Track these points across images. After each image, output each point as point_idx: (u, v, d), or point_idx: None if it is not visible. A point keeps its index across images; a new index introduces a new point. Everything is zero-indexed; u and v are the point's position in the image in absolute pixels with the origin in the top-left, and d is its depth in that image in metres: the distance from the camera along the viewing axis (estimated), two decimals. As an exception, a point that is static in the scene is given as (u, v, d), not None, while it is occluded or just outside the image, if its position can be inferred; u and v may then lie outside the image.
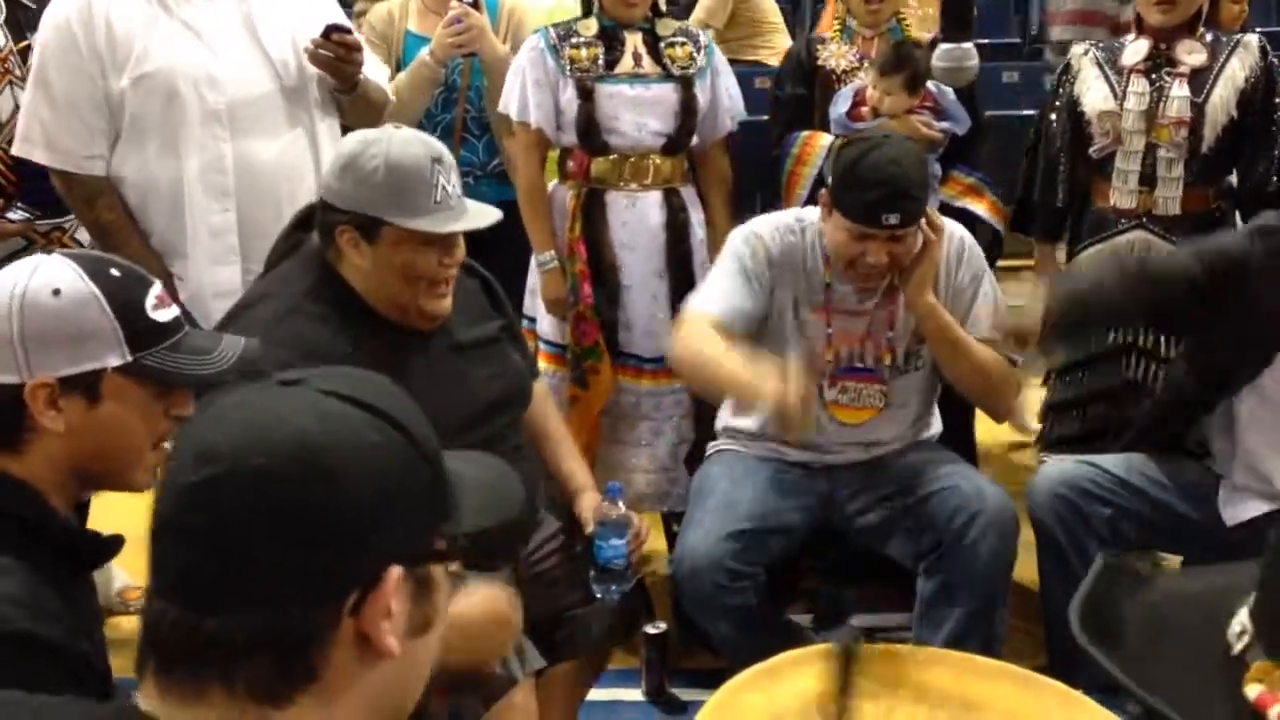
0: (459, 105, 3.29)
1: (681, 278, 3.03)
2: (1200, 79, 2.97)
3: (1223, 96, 2.96)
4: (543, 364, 3.01)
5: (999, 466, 3.94)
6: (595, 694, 2.41)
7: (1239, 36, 3.07)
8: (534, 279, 3.14)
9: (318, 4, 2.71)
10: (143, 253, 2.51)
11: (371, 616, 0.88)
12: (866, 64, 3.20)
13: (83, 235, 2.79)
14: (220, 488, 0.86)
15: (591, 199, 3.04)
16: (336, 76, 2.65)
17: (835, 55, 3.25)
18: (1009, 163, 3.31)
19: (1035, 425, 3.41)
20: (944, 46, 3.06)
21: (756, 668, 1.93)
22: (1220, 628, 0.94)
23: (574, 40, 3.02)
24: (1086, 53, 3.14)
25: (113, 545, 1.40)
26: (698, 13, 5.15)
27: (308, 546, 0.86)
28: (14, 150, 2.61)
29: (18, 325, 1.36)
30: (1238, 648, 0.92)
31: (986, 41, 4.41)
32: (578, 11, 3.11)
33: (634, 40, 3.04)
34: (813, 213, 2.59)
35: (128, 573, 3.26)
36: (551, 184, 3.14)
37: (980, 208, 3.20)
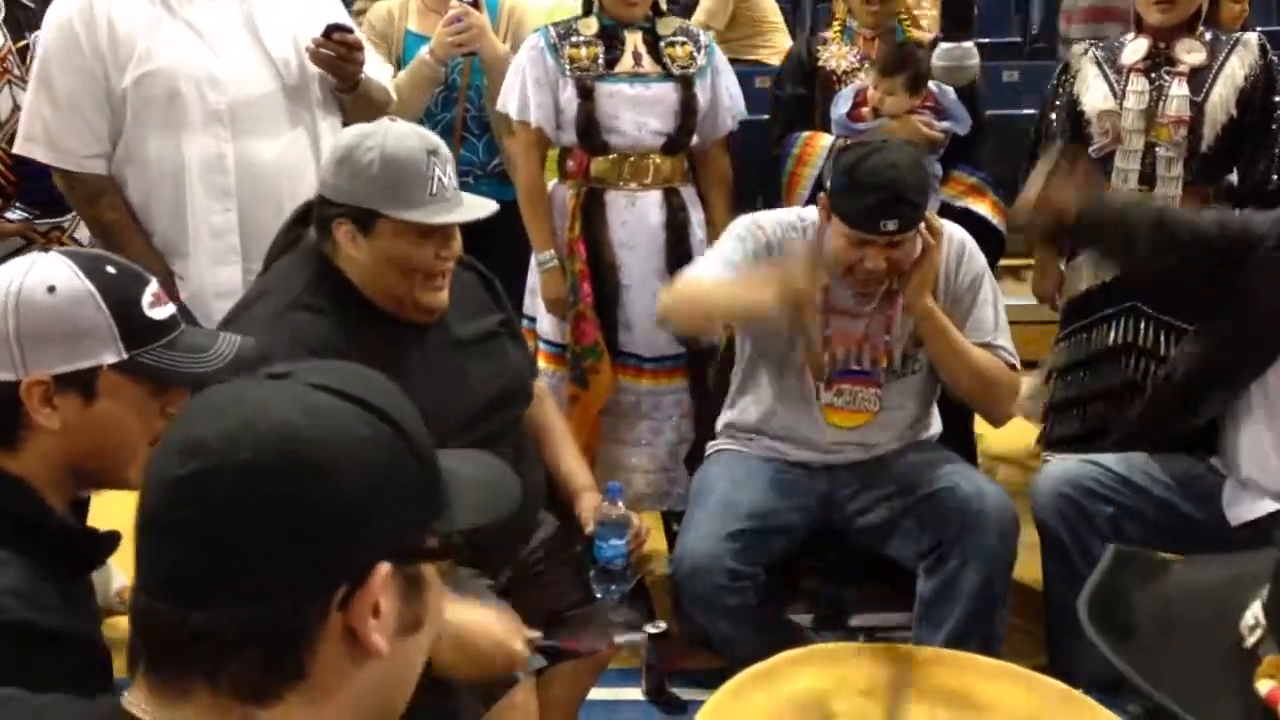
0: (459, 104, 3.29)
1: (681, 277, 3.03)
2: (1200, 78, 2.96)
3: (1222, 95, 2.95)
4: (542, 363, 3.01)
5: (999, 466, 3.93)
6: (595, 694, 2.40)
7: (1238, 35, 3.06)
8: (534, 278, 3.14)
9: (319, 3, 2.70)
10: (145, 252, 2.51)
11: (359, 613, 0.87)
12: (867, 65, 3.19)
13: (82, 235, 2.79)
14: (207, 481, 0.86)
15: (591, 198, 3.04)
16: (338, 76, 2.64)
17: (836, 56, 3.25)
18: (1010, 162, 3.31)
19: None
20: (944, 46, 3.06)
21: (756, 668, 1.93)
22: (1232, 620, 0.92)
23: (574, 39, 3.01)
24: (1086, 52, 3.13)
25: (110, 542, 1.39)
26: (698, 15, 5.15)
27: (295, 540, 0.85)
28: (16, 149, 2.61)
29: (13, 322, 1.35)
30: (1250, 641, 0.90)
31: (987, 41, 4.41)
32: (578, 10, 3.10)
33: (634, 39, 3.04)
34: (814, 212, 2.58)
35: (126, 573, 3.26)
36: (551, 183, 3.13)
37: (982, 208, 3.19)
